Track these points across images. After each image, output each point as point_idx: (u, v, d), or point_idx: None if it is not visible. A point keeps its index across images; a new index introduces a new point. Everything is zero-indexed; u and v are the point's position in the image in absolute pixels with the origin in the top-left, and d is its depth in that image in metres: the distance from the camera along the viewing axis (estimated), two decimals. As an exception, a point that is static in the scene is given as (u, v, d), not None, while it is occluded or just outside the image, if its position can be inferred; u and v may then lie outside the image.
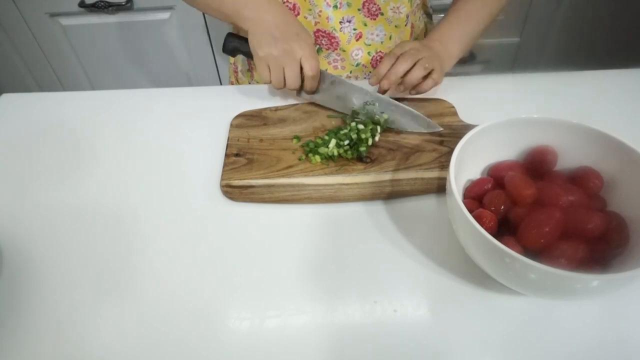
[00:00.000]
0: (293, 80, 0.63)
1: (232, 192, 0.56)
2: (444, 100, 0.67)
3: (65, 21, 1.31)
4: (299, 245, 0.51)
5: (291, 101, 0.68)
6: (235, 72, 0.88)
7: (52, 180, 0.60)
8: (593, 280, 0.37)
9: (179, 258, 0.51)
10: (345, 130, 0.59)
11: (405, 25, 0.75)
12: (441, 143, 0.61)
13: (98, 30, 1.33)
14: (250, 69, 0.83)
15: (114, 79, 1.47)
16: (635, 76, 0.72)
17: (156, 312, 0.46)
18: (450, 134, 0.62)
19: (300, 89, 0.66)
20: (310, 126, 0.64)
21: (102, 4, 1.25)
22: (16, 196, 0.58)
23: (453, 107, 0.66)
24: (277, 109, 0.67)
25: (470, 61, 1.41)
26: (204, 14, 1.29)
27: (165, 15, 1.31)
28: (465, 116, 0.64)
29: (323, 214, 0.54)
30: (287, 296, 0.47)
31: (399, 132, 0.62)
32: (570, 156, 0.50)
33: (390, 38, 0.75)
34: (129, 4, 1.26)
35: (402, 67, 0.62)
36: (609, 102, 0.68)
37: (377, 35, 0.74)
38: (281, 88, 0.65)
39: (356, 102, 0.64)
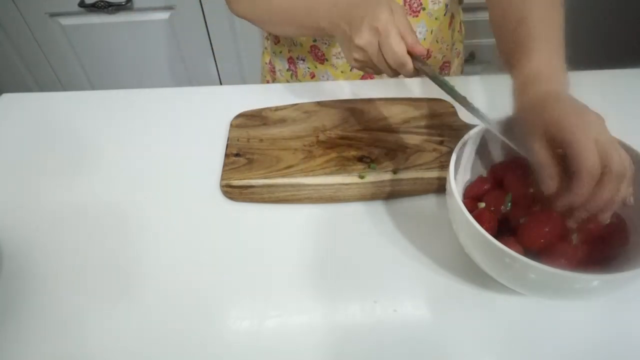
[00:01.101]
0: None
1: (232, 192, 0.56)
2: (444, 100, 0.67)
3: (65, 21, 1.31)
4: (299, 245, 0.51)
5: (291, 101, 0.68)
6: (272, 71, 0.86)
7: (51, 180, 0.60)
8: (593, 280, 0.37)
9: (179, 258, 0.51)
10: None
11: (445, 14, 0.74)
12: (441, 143, 0.61)
13: (98, 30, 1.33)
14: (290, 68, 0.83)
15: (114, 79, 1.47)
16: (635, 76, 0.72)
17: (156, 312, 0.46)
18: (450, 134, 0.62)
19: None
20: (310, 126, 0.64)
21: (102, 4, 1.25)
22: (16, 196, 0.58)
23: (453, 107, 0.66)
24: (277, 109, 0.67)
25: (470, 61, 1.40)
26: (203, 14, 1.29)
27: (165, 15, 1.31)
28: (465, 116, 0.64)
29: (323, 214, 0.54)
30: (287, 296, 0.47)
31: (399, 131, 0.62)
32: (570, 156, 0.49)
33: (431, 32, 0.74)
34: (129, 4, 1.26)
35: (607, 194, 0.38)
36: (609, 102, 0.67)
37: (420, 33, 0.74)
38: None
39: None
